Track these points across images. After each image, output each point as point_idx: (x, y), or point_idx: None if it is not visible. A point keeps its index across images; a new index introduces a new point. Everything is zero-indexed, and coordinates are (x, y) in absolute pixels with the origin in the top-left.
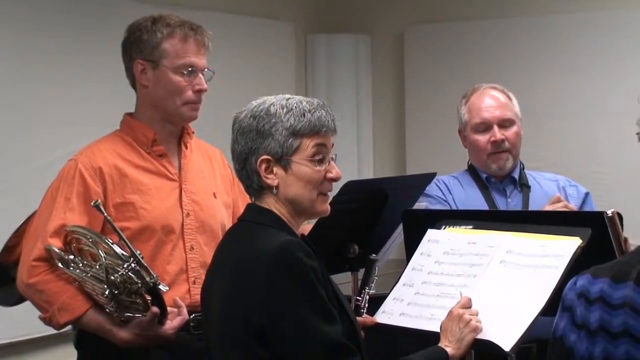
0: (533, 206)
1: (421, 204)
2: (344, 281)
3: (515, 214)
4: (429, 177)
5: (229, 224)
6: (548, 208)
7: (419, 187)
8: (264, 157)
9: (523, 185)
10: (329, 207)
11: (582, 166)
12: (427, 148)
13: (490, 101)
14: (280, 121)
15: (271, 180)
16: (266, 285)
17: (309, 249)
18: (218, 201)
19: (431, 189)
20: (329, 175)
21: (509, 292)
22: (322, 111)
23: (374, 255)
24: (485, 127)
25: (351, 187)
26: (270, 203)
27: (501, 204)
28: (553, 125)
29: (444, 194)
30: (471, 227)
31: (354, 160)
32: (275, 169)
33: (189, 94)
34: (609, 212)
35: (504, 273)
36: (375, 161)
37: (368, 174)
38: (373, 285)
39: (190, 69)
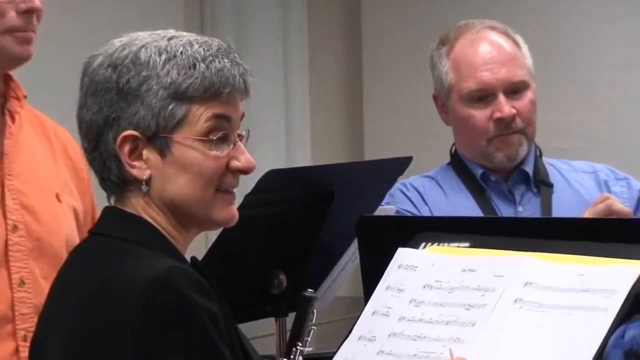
0: (559, 215)
1: (389, 208)
2: (263, 333)
3: (538, 223)
4: (400, 165)
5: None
6: (589, 215)
7: (384, 181)
8: (129, 132)
9: (541, 184)
10: (235, 213)
11: (623, 155)
12: (395, 122)
13: (491, 52)
14: (155, 75)
15: (139, 170)
16: (133, 340)
17: (203, 281)
18: (63, 207)
19: (396, 198)
20: (235, 164)
21: (528, 349)
22: (225, 60)
23: (310, 290)
24: (484, 95)
25: (274, 181)
26: (138, 206)
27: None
28: (571, 94)
29: (415, 206)
30: (468, 244)
31: (280, 141)
32: (145, 153)
33: (11, 16)
34: None
35: (520, 319)
36: (314, 142)
37: (303, 160)
38: (310, 339)
39: None
